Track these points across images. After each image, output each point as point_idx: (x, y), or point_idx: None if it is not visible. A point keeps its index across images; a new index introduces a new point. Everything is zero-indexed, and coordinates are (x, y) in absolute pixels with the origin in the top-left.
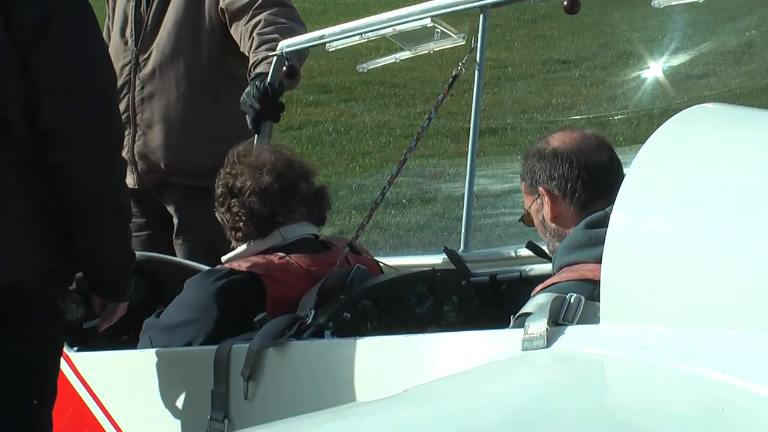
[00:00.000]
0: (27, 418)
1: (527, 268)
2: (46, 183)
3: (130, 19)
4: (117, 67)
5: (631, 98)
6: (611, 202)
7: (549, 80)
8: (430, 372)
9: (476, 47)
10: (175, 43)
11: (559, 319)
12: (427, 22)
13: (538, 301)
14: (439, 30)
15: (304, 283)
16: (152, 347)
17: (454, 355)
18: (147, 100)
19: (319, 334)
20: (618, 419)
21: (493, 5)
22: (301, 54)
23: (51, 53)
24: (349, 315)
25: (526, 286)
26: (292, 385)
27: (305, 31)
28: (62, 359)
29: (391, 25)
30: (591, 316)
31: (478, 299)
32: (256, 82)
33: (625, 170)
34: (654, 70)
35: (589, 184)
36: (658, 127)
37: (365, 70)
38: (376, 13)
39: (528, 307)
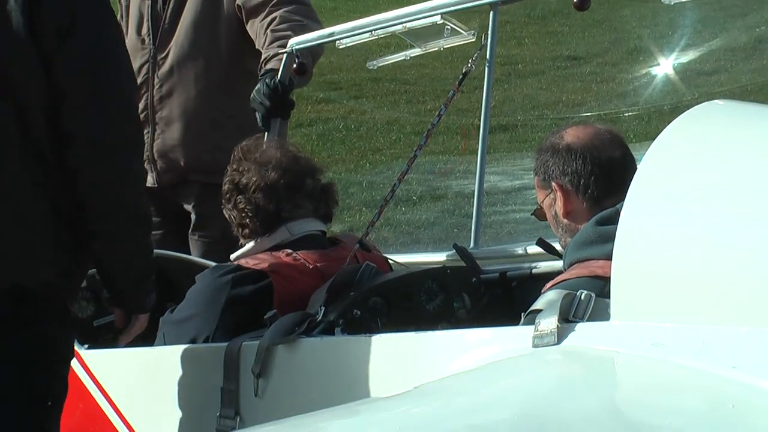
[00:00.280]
0: (39, 418)
1: (537, 264)
2: (61, 185)
3: (146, 17)
4: (135, 66)
5: (641, 95)
6: (624, 198)
7: (559, 77)
8: (440, 369)
9: (486, 44)
10: (193, 40)
11: (569, 316)
12: (437, 19)
13: (549, 298)
14: (449, 27)
15: (312, 279)
16: (165, 343)
17: (465, 352)
18: (166, 98)
19: (329, 331)
20: (628, 416)
21: (502, 2)
22: (314, 53)
23: (74, 57)
24: (359, 312)
25: (536, 282)
26: (302, 382)
27: (320, 29)
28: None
29: (401, 23)
30: (601, 313)
31: (488, 296)
32: (266, 79)
33: (638, 166)
34: (664, 66)
35: (602, 180)
36: (668, 123)
37: (375, 67)
38: (386, 11)
39: (538, 304)
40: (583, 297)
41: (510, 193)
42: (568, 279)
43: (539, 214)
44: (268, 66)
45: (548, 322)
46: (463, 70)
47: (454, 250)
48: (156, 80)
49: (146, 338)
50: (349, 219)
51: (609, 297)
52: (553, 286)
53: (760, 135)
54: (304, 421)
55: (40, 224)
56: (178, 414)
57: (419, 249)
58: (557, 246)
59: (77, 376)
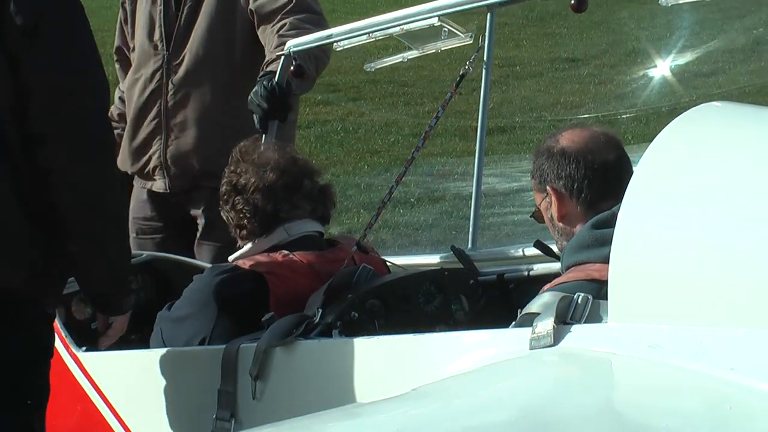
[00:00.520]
0: (23, 419)
1: (535, 267)
2: (35, 187)
3: (159, 22)
4: (147, 72)
5: (639, 96)
6: (619, 200)
7: (557, 78)
8: (438, 371)
9: (484, 46)
10: (208, 45)
11: (566, 318)
12: (435, 21)
13: (544, 300)
14: (446, 29)
15: (307, 280)
16: (162, 339)
17: (462, 354)
18: (180, 104)
19: (327, 333)
20: (625, 417)
21: (500, 4)
22: (319, 59)
23: (41, 56)
24: (356, 314)
25: (533, 284)
26: (299, 384)
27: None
28: (71, 358)
29: (399, 25)
30: (598, 316)
31: (485, 298)
32: (264, 82)
33: (633, 168)
34: (662, 68)
35: (596, 183)
36: (666, 125)
37: (373, 69)
38: (383, 12)
39: (533, 306)
40: (580, 300)
41: (508, 195)
42: (565, 282)
43: (537, 216)
44: (268, 68)
45: (545, 324)
46: (461, 72)
47: (452, 252)
48: (170, 86)
49: (144, 338)
50: (347, 221)
51: (606, 300)
52: (549, 289)
53: (758, 137)
54: (302, 423)
55: (12, 225)
56: (175, 416)
57: (417, 251)
58: (555, 248)
59: (75, 378)
